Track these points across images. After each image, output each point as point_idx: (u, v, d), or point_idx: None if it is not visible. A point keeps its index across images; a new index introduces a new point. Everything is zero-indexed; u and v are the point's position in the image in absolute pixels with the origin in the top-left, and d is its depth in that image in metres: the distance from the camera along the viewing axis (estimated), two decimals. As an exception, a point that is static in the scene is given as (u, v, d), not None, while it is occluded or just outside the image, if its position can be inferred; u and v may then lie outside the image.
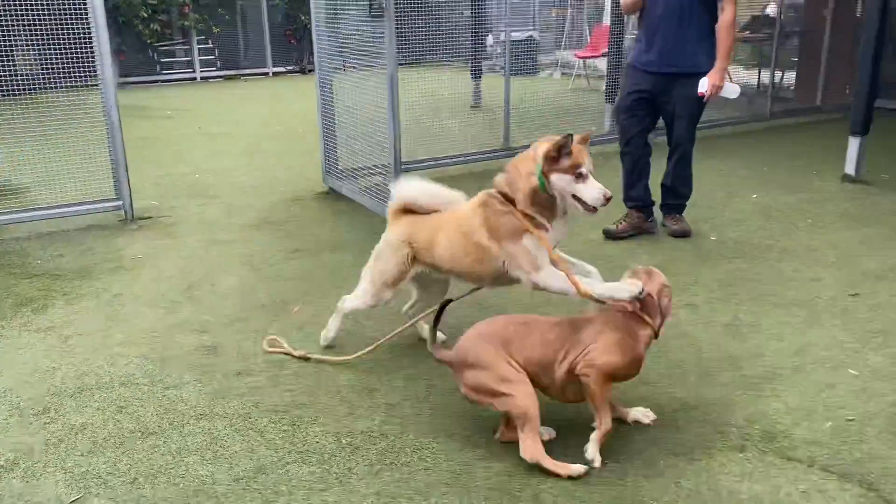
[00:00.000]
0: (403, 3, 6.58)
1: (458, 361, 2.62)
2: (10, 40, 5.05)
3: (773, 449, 2.61)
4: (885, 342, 3.37)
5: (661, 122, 4.99)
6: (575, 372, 2.52)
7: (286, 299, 3.97)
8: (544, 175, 2.80)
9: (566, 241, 3.13)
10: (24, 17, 5.01)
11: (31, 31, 5.04)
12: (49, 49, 5.14)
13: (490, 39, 9.99)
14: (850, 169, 6.06)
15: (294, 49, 14.72)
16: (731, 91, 4.64)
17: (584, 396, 2.58)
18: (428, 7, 7.03)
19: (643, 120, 4.82)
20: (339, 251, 4.70)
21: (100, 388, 3.11)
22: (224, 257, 4.65)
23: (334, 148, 6.01)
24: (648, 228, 4.91)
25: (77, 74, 5.21)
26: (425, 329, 3.47)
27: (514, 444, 2.60)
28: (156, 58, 13.59)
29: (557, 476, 2.45)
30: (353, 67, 5.57)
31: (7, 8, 4.92)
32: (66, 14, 5.05)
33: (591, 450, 2.54)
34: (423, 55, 7.15)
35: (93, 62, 5.10)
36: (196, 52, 13.78)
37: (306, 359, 3.30)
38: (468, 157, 6.85)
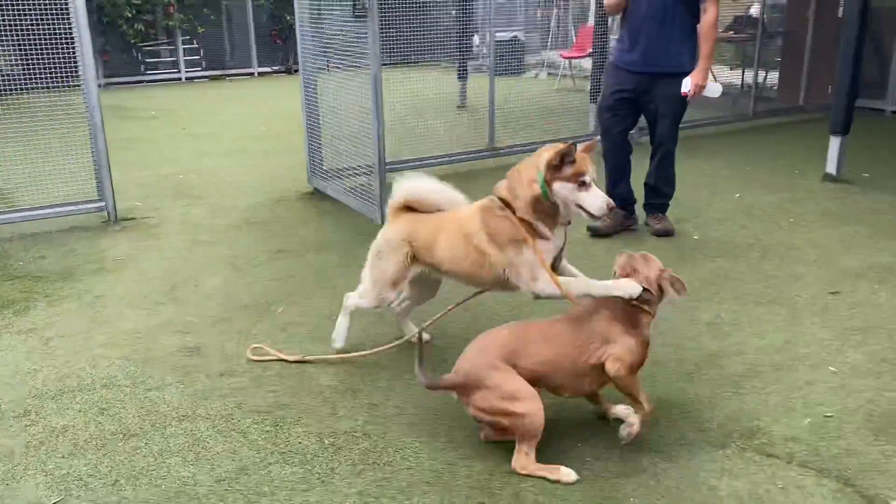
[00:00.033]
0: (388, 4, 6.59)
1: (462, 384, 2.56)
2: (-9, 41, 5.02)
3: (752, 446, 2.64)
4: (864, 339, 3.40)
5: (643, 122, 5.03)
6: (607, 371, 2.56)
7: (270, 300, 3.97)
8: (546, 183, 2.77)
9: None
10: (6, 17, 4.97)
11: (12, 31, 5.01)
12: (31, 49, 5.11)
13: (476, 39, 10.00)
14: (831, 168, 6.12)
15: (280, 49, 14.67)
16: (714, 90, 4.68)
17: (596, 389, 2.67)
18: (414, 7, 7.03)
19: (625, 119, 4.86)
20: (323, 252, 4.70)
21: (81, 389, 3.09)
22: (208, 258, 4.63)
23: (319, 148, 6.00)
24: (630, 226, 4.95)
25: (59, 75, 5.17)
26: (410, 327, 3.48)
27: (497, 444, 2.62)
28: (140, 58, 13.50)
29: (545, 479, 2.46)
30: (338, 68, 5.56)
31: (-12, 8, 4.89)
32: (47, 14, 5.02)
33: (628, 431, 2.60)
34: (408, 55, 7.16)
35: (75, 63, 5.07)
36: (181, 52, 13.71)
37: (302, 361, 3.27)
38: (453, 158, 6.86)
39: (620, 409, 2.77)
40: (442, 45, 7.93)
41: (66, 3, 4.95)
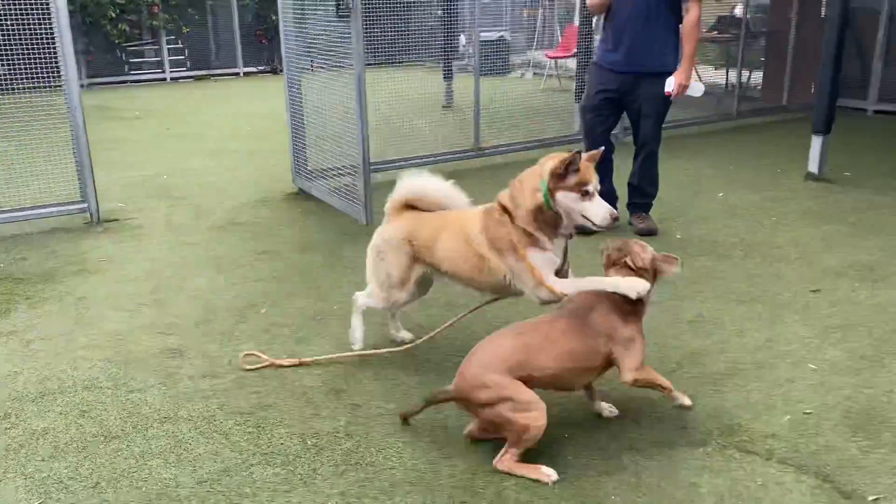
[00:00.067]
0: (373, 3, 6.59)
1: (466, 398, 2.52)
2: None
3: (733, 443, 2.66)
4: (844, 337, 3.43)
5: (627, 122, 5.06)
6: (625, 384, 2.63)
7: (253, 301, 3.96)
8: (550, 192, 2.76)
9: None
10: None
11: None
12: (12, 50, 5.07)
13: (463, 39, 10.01)
14: (813, 167, 6.17)
15: (265, 49, 14.63)
16: (697, 90, 4.71)
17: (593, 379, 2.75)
18: (399, 7, 7.03)
19: (608, 119, 4.88)
20: (307, 252, 4.69)
21: (62, 392, 3.07)
22: (191, 259, 4.61)
23: (303, 148, 5.99)
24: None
25: (41, 75, 5.14)
26: (402, 332, 3.47)
27: (479, 444, 2.63)
28: (124, 58, 13.43)
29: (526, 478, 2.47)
30: (322, 68, 5.55)
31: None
32: (28, 14, 4.98)
33: (681, 397, 2.72)
34: (394, 55, 7.16)
35: (56, 63, 5.03)
36: (165, 52, 13.64)
37: (297, 365, 3.24)
38: (438, 158, 6.86)
39: (603, 406, 2.81)
40: (427, 45, 7.93)
41: (47, 3, 4.92)
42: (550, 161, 2.79)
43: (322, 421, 2.83)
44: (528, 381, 2.51)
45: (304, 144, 5.96)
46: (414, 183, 3.19)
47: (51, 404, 2.98)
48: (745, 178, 6.28)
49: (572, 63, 10.09)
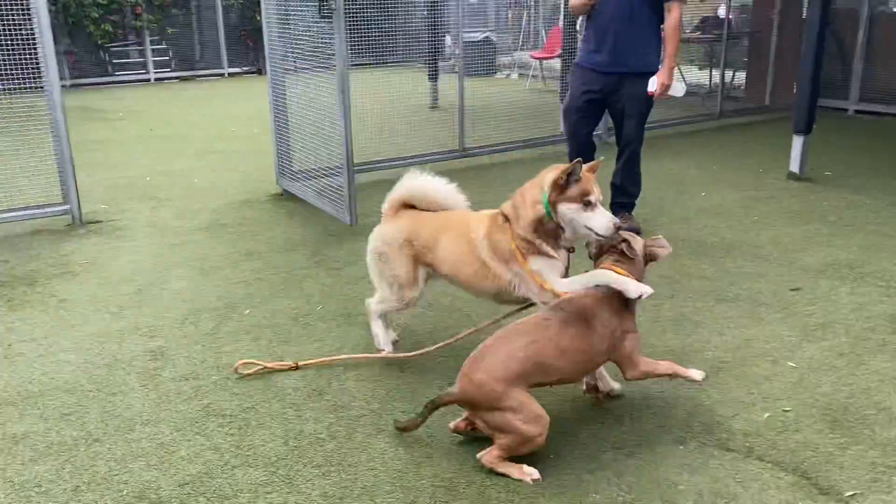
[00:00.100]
0: (358, 4, 6.59)
1: (472, 402, 2.50)
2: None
3: (712, 441, 2.68)
4: (823, 335, 3.47)
5: (610, 121, 5.08)
6: (629, 379, 2.72)
7: (237, 302, 3.95)
8: (551, 204, 2.74)
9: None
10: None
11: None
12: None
13: (449, 40, 10.02)
14: (794, 167, 6.22)
15: (251, 50, 14.57)
16: (678, 90, 4.74)
17: None
18: (384, 8, 7.03)
19: (591, 120, 4.92)
20: (291, 253, 4.69)
21: (43, 395, 3.06)
22: (174, 261, 4.60)
23: (288, 149, 5.98)
24: None
25: (22, 76, 5.10)
26: (390, 333, 3.41)
27: (462, 443, 2.64)
28: (108, 59, 13.34)
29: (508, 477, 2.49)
30: (305, 68, 5.54)
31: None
32: (8, 14, 4.94)
33: (695, 373, 2.72)
34: (379, 56, 7.16)
35: (37, 63, 5.00)
36: (149, 52, 13.57)
37: (294, 368, 3.22)
38: (423, 158, 6.86)
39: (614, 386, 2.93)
40: (413, 45, 7.94)
41: (28, 3, 4.88)
42: (551, 172, 2.77)
43: (304, 422, 2.83)
44: (537, 384, 2.55)
45: (289, 145, 5.95)
46: (415, 182, 3.17)
47: (31, 408, 2.97)
48: (727, 178, 6.32)
49: (557, 64, 10.12)
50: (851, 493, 2.40)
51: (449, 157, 6.99)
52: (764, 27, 9.61)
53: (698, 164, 6.84)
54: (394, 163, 6.68)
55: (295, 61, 5.65)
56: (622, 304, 2.66)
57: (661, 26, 4.70)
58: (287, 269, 4.40)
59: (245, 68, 14.56)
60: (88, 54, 13.14)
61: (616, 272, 2.67)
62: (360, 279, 4.21)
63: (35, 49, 4.97)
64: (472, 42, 10.03)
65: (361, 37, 6.93)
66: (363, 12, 6.77)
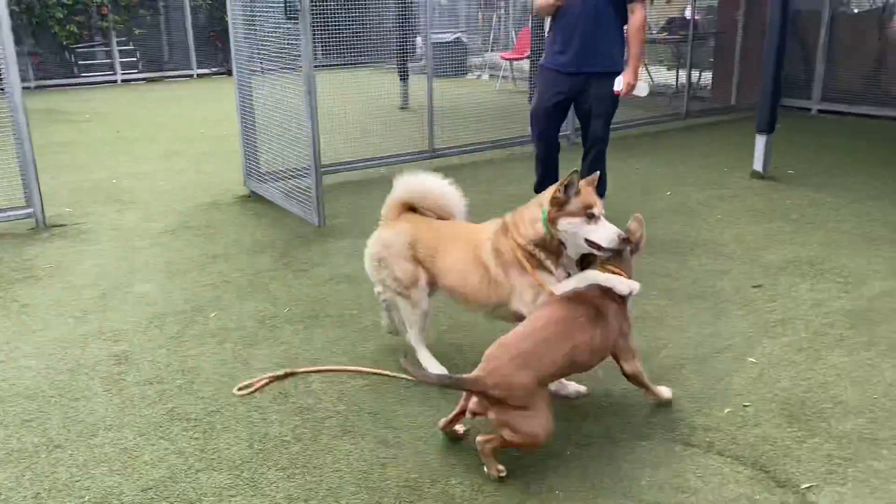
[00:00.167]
0: (327, 5, 6.57)
1: (485, 393, 2.44)
2: None
3: (674, 437, 2.72)
4: (783, 331, 3.54)
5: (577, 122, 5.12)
6: (629, 372, 2.78)
7: (203, 305, 3.92)
8: (551, 221, 2.69)
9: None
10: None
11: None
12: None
13: (419, 41, 10.04)
14: (758, 166, 6.32)
15: (220, 51, 14.46)
16: (642, 89, 4.79)
17: None
18: (353, 9, 7.03)
19: (559, 122, 4.96)
20: (258, 255, 4.66)
21: (3, 401, 3.01)
22: (140, 264, 4.55)
23: (255, 151, 5.95)
24: None
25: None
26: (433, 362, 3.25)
27: (427, 441, 2.65)
28: (73, 60, 13.15)
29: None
30: (272, 69, 5.51)
31: None
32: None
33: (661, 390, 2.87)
34: (349, 57, 7.15)
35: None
36: (116, 53, 13.40)
37: (292, 374, 3.18)
38: (393, 159, 6.87)
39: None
40: (383, 46, 7.94)
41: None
42: (548, 191, 2.74)
43: (269, 425, 2.83)
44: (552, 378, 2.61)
45: (256, 147, 5.92)
46: (415, 181, 3.12)
47: (-9, 414, 2.93)
48: (693, 177, 6.41)
49: (526, 65, 10.18)
50: (808, 485, 2.45)
51: (418, 158, 7.00)
52: (729, 28, 9.75)
53: (664, 164, 6.92)
54: (362, 164, 6.68)
55: (261, 62, 5.63)
56: (620, 297, 2.71)
57: (624, 27, 4.75)
58: (254, 272, 4.38)
59: (214, 69, 14.44)
60: (53, 55, 12.95)
61: (612, 272, 2.71)
62: (328, 281, 4.21)
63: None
64: (443, 43, 10.06)
65: (330, 37, 6.92)
66: (332, 13, 6.77)
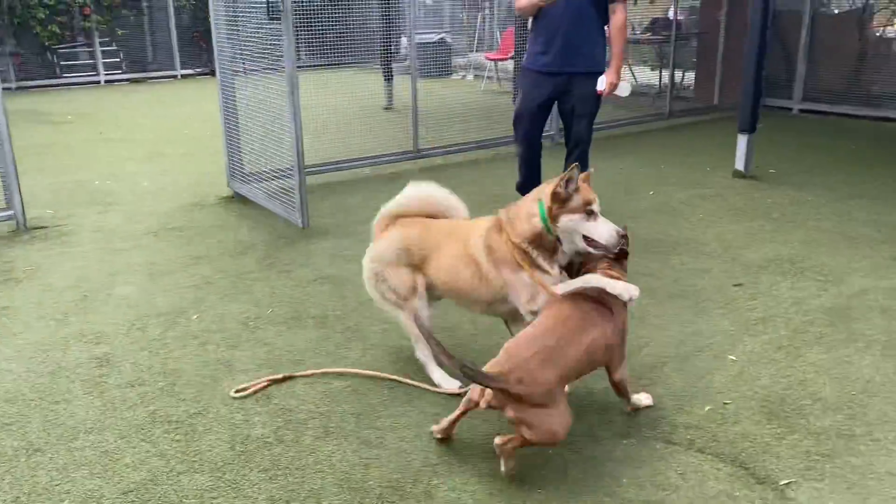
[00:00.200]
0: (312, 5, 6.56)
1: (505, 389, 2.37)
2: None
3: (655, 435, 2.75)
4: (764, 329, 3.57)
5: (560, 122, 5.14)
6: (618, 378, 2.77)
7: (185, 307, 3.91)
8: (551, 217, 2.67)
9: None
10: None
11: None
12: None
13: (404, 41, 10.04)
14: (739, 165, 6.37)
15: (204, 51, 14.38)
16: (624, 89, 4.82)
17: None
18: (337, 9, 7.02)
19: (543, 122, 4.98)
20: (241, 256, 4.65)
21: (-18, 405, 3.00)
22: (122, 266, 4.52)
23: (238, 152, 5.92)
24: None
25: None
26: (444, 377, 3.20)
27: (409, 441, 2.65)
28: (56, 60, 13.04)
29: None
30: (256, 70, 5.49)
31: None
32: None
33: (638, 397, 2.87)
34: (333, 57, 7.14)
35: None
36: (99, 54, 13.30)
37: (288, 378, 3.16)
38: (378, 159, 6.87)
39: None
40: (367, 46, 7.93)
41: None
42: (548, 186, 2.72)
43: (252, 427, 2.82)
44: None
45: (239, 147, 5.90)
46: (419, 191, 3.11)
47: (-30, 418, 2.91)
48: (675, 176, 6.45)
49: (511, 65, 10.21)
50: (786, 481, 2.48)
51: (403, 159, 7.00)
52: (711, 28, 9.82)
53: (647, 164, 6.96)
54: (346, 164, 6.68)
55: (244, 63, 5.61)
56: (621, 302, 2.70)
57: (606, 27, 4.78)
58: (237, 273, 4.37)
59: (198, 70, 14.37)
60: (35, 56, 12.84)
61: (612, 276, 2.66)
62: (312, 282, 4.21)
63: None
64: (428, 43, 10.07)
65: (314, 37, 6.90)
66: (316, 13, 6.75)
